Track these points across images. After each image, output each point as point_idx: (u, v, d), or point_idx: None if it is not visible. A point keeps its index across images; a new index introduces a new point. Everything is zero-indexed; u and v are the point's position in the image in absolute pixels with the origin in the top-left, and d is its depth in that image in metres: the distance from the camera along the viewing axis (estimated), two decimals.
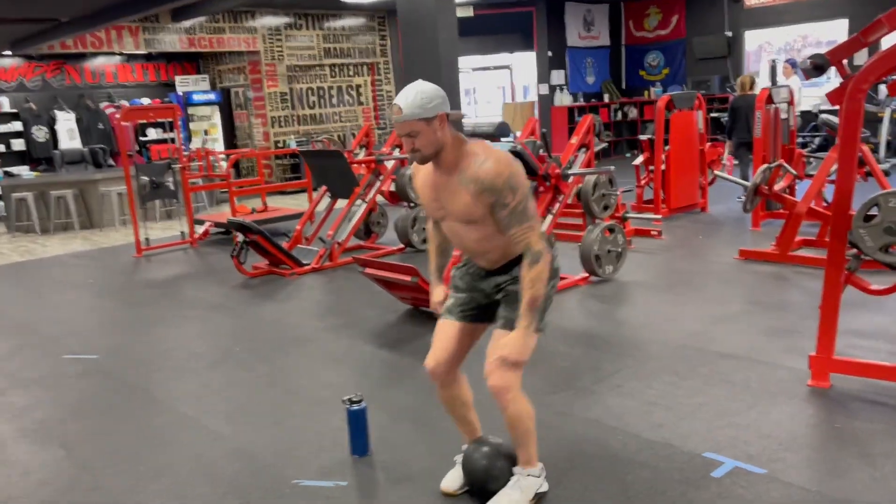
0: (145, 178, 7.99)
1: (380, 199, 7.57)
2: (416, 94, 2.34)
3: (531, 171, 5.23)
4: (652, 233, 7.05)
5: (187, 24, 11.79)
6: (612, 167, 5.60)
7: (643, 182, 8.21)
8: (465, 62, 15.81)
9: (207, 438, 3.33)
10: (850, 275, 3.71)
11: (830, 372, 3.44)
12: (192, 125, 13.68)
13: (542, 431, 2.74)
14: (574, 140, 5.59)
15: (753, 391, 3.45)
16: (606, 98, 15.36)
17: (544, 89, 14.61)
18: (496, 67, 16.15)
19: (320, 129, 13.39)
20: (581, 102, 14.87)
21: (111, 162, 12.62)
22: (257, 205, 9.05)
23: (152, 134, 13.62)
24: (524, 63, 15.45)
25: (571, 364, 3.97)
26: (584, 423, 3.24)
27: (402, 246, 7.21)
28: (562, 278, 5.61)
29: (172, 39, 11.81)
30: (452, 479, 2.76)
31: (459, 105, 7.83)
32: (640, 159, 8.20)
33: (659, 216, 6.86)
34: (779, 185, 6.07)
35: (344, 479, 2.88)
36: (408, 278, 4.55)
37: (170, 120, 13.88)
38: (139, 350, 4.73)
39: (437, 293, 2.79)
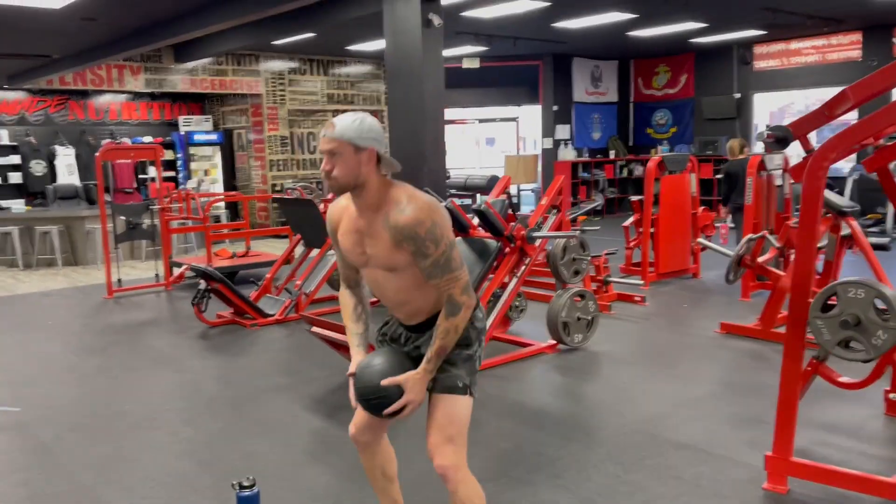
0: (122, 218, 7.84)
1: None
2: (356, 120, 2.18)
3: (496, 232, 4.98)
4: (635, 298, 6.74)
5: (190, 65, 11.81)
6: (578, 231, 5.33)
7: (632, 244, 7.92)
8: (472, 113, 15.77)
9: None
10: (818, 364, 3.39)
11: (788, 475, 3.10)
12: (193, 165, 13.65)
13: None
14: (544, 201, 5.34)
15: (702, 492, 3.11)
16: (612, 154, 15.17)
17: (548, 143, 14.46)
18: (502, 119, 16.07)
19: (320, 174, 13.29)
20: (586, 158, 14.69)
21: (108, 199, 12.55)
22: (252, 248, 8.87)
23: (152, 172, 13.57)
24: (530, 116, 15.35)
25: (512, 446, 3.65)
26: None
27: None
28: (528, 345, 5.33)
29: (174, 80, 11.82)
30: None
31: (444, 155, 7.64)
32: (630, 220, 7.94)
33: (642, 282, 6.55)
34: (764, 257, 5.76)
35: None
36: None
37: (172, 158, 13.98)
38: (66, 404, 4.47)
39: (355, 361, 2.45)
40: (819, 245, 5.64)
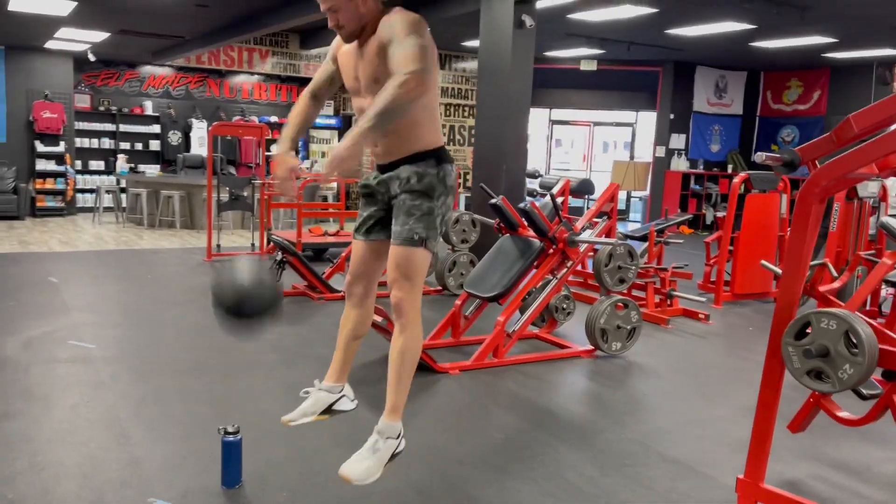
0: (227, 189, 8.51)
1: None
2: None
3: (540, 232, 5.08)
4: (699, 316, 6.60)
5: (314, 52, 12.51)
6: (616, 240, 5.31)
7: (712, 261, 7.72)
8: (588, 116, 15.66)
9: (112, 442, 3.47)
10: (819, 396, 3.31)
11: (758, 501, 3.06)
12: (312, 146, 14.44)
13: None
14: (594, 206, 5.38)
15: None
16: (731, 169, 14.60)
17: (661, 152, 14.13)
18: (618, 124, 15.84)
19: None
20: (700, 170, 14.24)
21: (232, 170, 13.55)
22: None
23: (274, 150, 14.48)
24: (646, 123, 15.05)
25: (503, 438, 3.78)
26: (466, 501, 3.07)
27: (439, 288, 7.20)
28: (566, 346, 5.40)
29: (298, 65, 12.57)
30: (294, 412, 2.85)
31: (525, 155, 7.76)
32: (713, 236, 7.73)
33: (704, 298, 6.41)
34: (831, 286, 5.50)
35: None
36: (379, 318, 4.55)
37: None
38: (130, 347, 5.03)
39: (280, 148, 2.63)
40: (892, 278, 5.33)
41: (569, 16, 9.23)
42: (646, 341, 5.78)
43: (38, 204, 12.02)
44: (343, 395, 2.95)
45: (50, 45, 11.27)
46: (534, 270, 5.17)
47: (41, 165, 12.07)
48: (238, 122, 12.77)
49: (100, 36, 9.77)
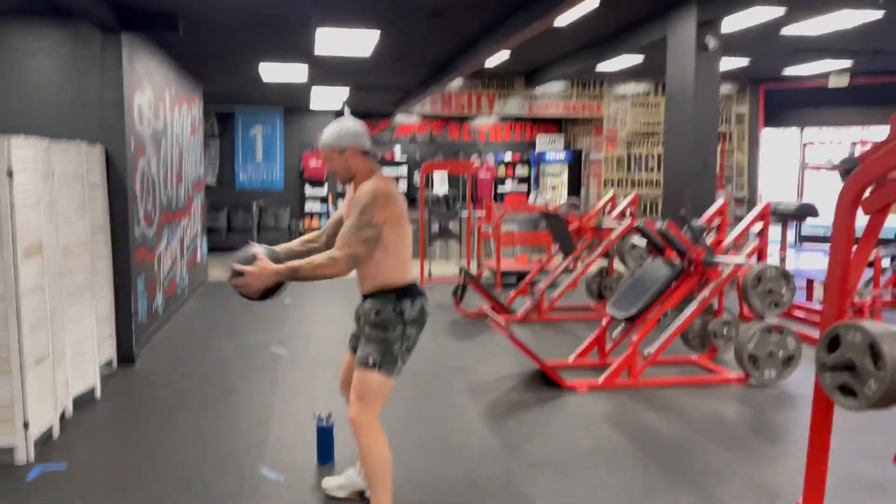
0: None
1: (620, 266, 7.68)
2: (335, 128, 2.90)
3: (678, 252, 5.02)
4: None
5: (539, 90, 13.07)
6: (751, 261, 4.98)
7: None
8: (839, 134, 14.19)
9: (254, 421, 4.23)
10: None
11: None
12: (542, 180, 14.97)
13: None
14: (741, 227, 5.14)
15: None
16: None
17: None
18: None
19: (655, 194, 13.48)
20: None
21: (465, 207, 14.58)
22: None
23: (508, 185, 15.31)
24: None
25: (590, 447, 3.86)
26: (505, 495, 3.28)
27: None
28: (714, 371, 5.21)
29: (524, 104, 13.21)
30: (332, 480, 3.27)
31: (713, 178, 7.48)
32: None
33: None
34: None
35: (284, 475, 3.51)
36: (505, 333, 4.86)
37: (525, 174, 15.52)
38: (310, 353, 5.88)
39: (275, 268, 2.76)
40: None
41: (782, 32, 8.70)
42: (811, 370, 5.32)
43: None
44: None
45: (314, 105, 13.24)
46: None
47: (308, 206, 14.13)
48: (447, 161, 13.76)
49: (345, 91, 11.30)
